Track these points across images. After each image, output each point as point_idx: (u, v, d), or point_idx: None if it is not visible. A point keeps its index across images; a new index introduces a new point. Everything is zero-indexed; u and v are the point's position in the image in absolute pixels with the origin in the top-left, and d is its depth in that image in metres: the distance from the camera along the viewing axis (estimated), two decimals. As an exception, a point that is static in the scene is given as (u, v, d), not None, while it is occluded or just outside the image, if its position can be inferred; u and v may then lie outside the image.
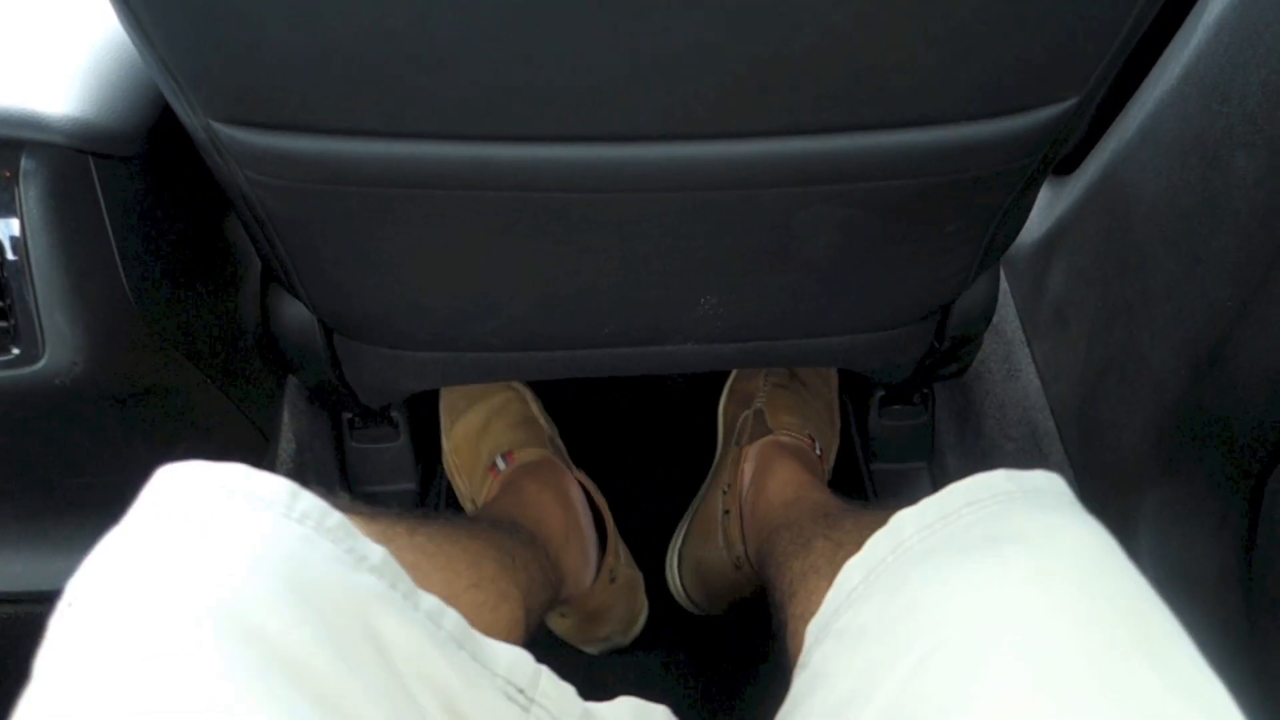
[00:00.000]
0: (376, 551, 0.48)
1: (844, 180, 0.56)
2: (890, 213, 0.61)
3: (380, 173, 0.55)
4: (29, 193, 0.54)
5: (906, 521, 0.52)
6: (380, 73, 0.48)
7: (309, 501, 0.47)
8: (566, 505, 0.90)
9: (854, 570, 0.52)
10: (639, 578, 0.99)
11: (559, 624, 0.94)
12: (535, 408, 1.01)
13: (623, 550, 0.97)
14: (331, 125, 0.52)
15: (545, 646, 0.91)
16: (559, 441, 1.00)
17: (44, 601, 0.78)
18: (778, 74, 0.48)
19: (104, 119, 0.56)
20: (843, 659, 0.48)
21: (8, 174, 0.54)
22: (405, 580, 0.49)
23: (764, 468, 0.92)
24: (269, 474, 0.47)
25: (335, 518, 0.47)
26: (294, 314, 0.75)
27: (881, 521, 0.53)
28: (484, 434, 0.98)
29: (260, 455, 0.85)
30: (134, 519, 0.45)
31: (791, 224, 0.61)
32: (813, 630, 0.53)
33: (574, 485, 0.94)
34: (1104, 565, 0.46)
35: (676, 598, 0.99)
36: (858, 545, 0.53)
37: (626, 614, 0.96)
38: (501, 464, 0.94)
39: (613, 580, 0.92)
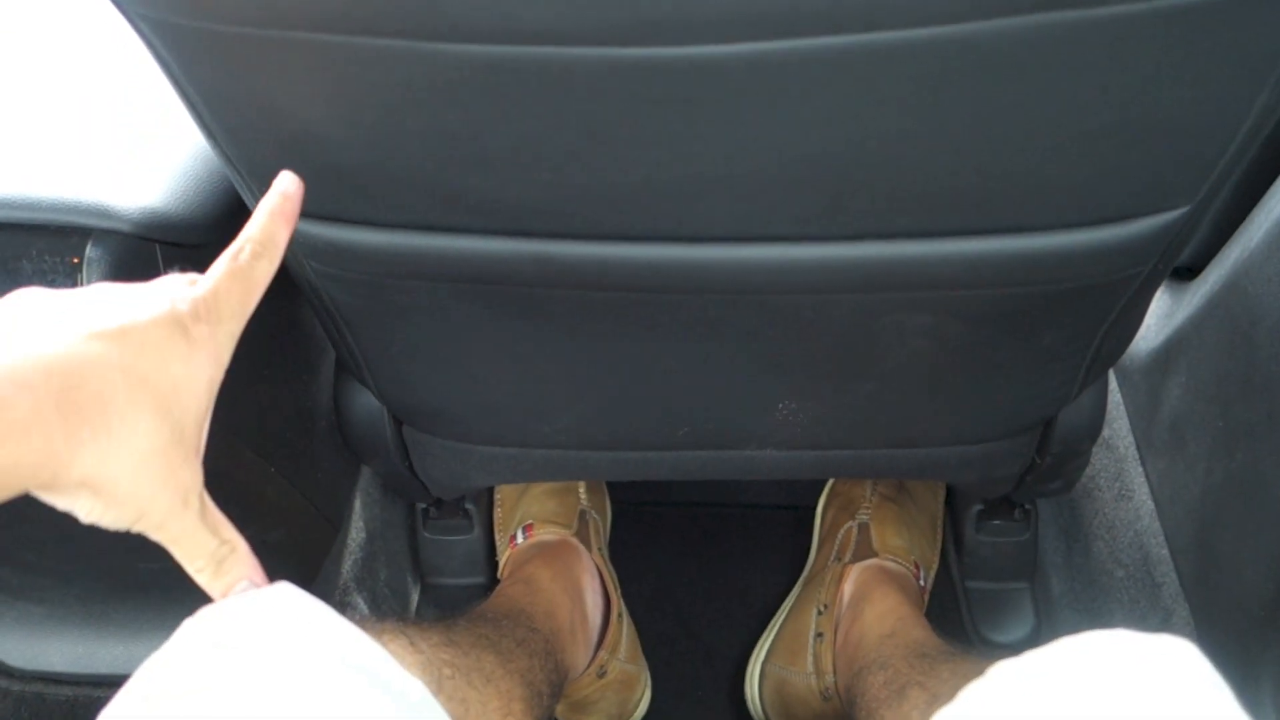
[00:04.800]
0: (415, 688, 0.47)
1: (925, 288, 0.53)
2: (979, 322, 0.57)
3: (441, 267, 0.54)
4: (92, 279, 0.55)
5: (1007, 675, 0.46)
6: (438, 173, 0.47)
7: (345, 637, 0.45)
8: (576, 596, 0.88)
9: None
10: (639, 674, 0.95)
11: None
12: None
13: (626, 644, 0.94)
14: (391, 220, 0.51)
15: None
16: (592, 516, 0.98)
17: (102, 685, 0.78)
18: (854, 177, 0.45)
19: (172, 208, 0.56)
20: None
21: (74, 260, 0.54)
22: (442, 715, 0.48)
23: (864, 594, 0.88)
24: (301, 610, 0.45)
25: (376, 653, 0.46)
26: (364, 404, 0.74)
27: (981, 673, 0.48)
28: (523, 496, 0.98)
29: (328, 544, 0.83)
30: (162, 663, 0.43)
31: (871, 330, 0.58)
32: None
33: (588, 571, 0.92)
34: None
35: (755, 717, 0.94)
36: (954, 699, 0.48)
37: (616, 710, 0.93)
38: (520, 537, 0.94)
39: (601, 675, 0.89)
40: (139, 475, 0.37)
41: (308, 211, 0.52)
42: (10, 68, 0.63)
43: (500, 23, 0.37)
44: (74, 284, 0.54)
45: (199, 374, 0.39)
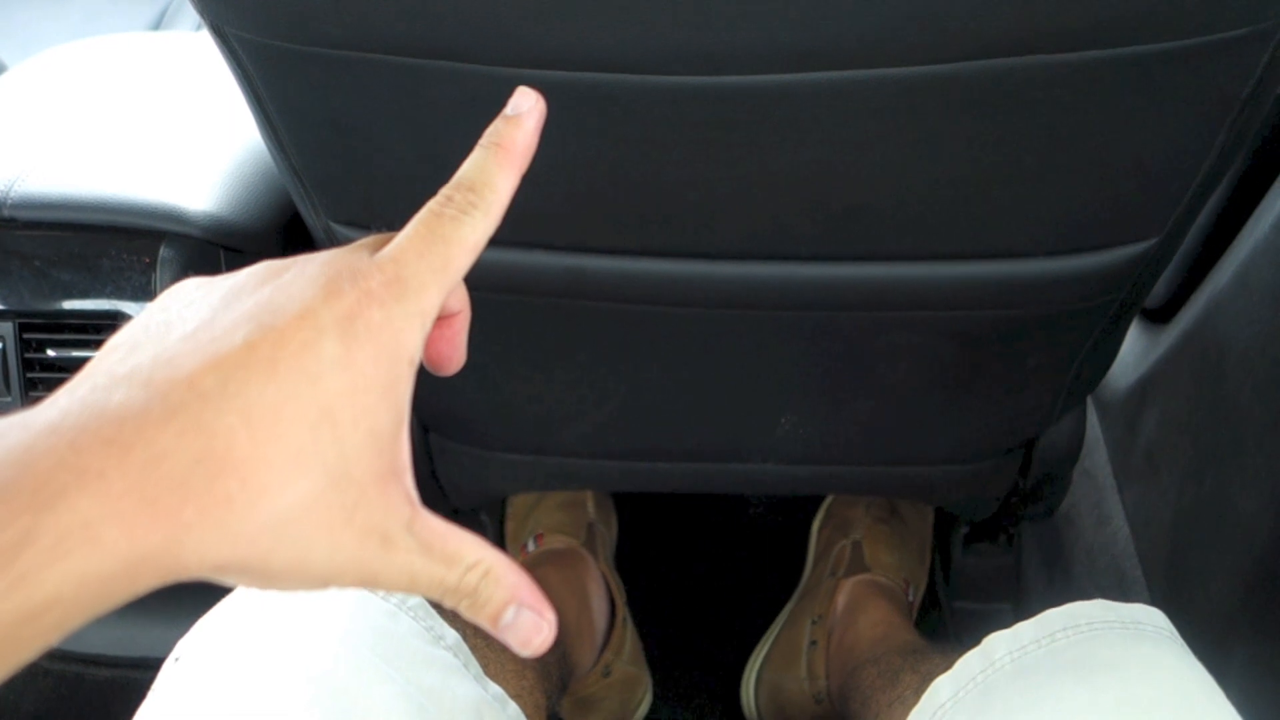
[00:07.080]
0: (451, 634, 0.52)
1: (921, 307, 0.58)
2: (970, 343, 0.62)
3: (476, 277, 0.58)
4: (164, 278, 0.60)
5: (1000, 642, 0.52)
6: None
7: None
8: (582, 598, 0.92)
9: (943, 686, 0.52)
10: (641, 676, 0.99)
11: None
12: (589, 492, 1.04)
13: (629, 647, 0.98)
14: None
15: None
16: (600, 528, 1.02)
17: (140, 667, 0.82)
18: (860, 202, 0.50)
19: (236, 217, 0.61)
20: None
21: (147, 260, 0.60)
22: (475, 664, 0.53)
23: (857, 605, 0.91)
24: None
25: (415, 599, 0.50)
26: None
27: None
28: (533, 509, 1.01)
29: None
30: (240, 590, 0.49)
31: (870, 348, 0.62)
32: None
33: (594, 578, 0.96)
34: (1198, 700, 0.45)
35: None
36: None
37: (619, 709, 0.96)
38: (532, 546, 0.98)
39: (606, 675, 0.93)
40: (292, 544, 0.26)
41: (364, 223, 0.57)
42: (97, 93, 0.68)
43: (560, 51, 0.41)
44: (148, 282, 0.60)
45: (365, 380, 0.27)
